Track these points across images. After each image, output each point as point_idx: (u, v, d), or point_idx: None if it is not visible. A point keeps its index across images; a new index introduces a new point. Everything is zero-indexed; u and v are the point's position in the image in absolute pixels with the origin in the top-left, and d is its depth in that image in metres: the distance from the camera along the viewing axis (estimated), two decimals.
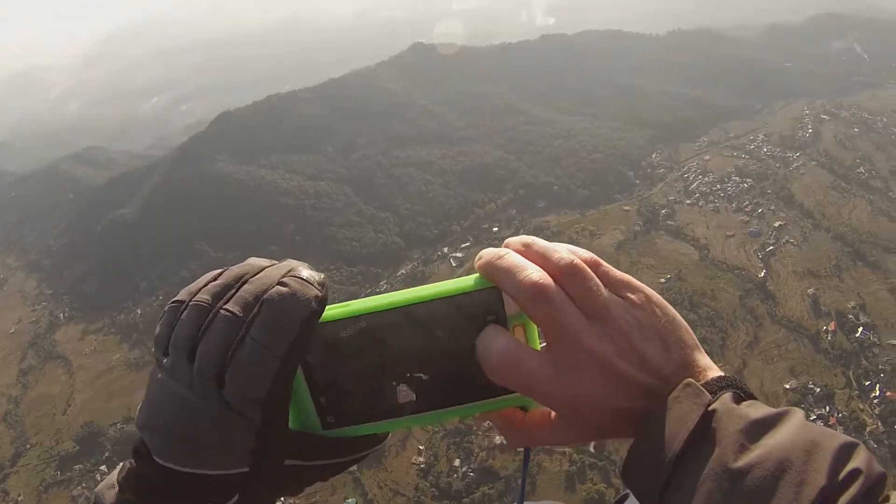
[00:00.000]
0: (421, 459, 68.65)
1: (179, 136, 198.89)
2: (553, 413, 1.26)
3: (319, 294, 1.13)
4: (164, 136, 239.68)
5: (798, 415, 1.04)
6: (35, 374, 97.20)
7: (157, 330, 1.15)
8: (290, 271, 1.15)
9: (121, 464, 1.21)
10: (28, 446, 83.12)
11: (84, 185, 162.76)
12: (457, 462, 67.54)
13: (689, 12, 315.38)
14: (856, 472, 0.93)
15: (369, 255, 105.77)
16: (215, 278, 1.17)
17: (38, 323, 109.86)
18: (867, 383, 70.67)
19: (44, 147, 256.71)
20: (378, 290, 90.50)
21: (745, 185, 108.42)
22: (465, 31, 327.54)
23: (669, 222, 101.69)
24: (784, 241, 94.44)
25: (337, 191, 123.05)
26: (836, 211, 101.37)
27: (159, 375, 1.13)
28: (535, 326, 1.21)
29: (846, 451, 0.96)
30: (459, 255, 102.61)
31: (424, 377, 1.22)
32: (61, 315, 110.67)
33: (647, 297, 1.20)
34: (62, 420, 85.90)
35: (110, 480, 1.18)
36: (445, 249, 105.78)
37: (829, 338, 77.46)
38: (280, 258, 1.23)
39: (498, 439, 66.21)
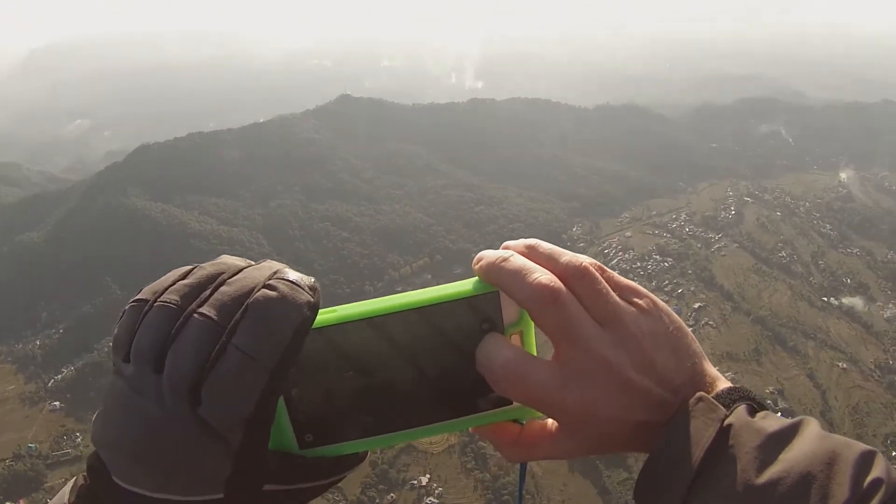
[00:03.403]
0: None
1: (98, 163, 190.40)
2: (553, 425, 1.20)
3: (311, 299, 1.00)
4: (82, 161, 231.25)
5: (813, 424, 1.02)
6: None
7: (116, 332, 1.01)
8: (275, 273, 1.01)
9: (73, 479, 1.07)
10: None
11: None
12: None
13: (617, 86, 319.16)
14: (877, 482, 0.91)
15: None
16: (184, 276, 1.02)
17: None
18: None
19: None
20: None
21: (666, 265, 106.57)
22: (394, 87, 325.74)
23: None
24: (703, 322, 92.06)
25: (250, 239, 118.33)
26: (756, 294, 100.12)
27: (119, 385, 0.99)
28: (534, 336, 1.16)
29: (866, 461, 0.94)
30: None
31: (413, 389, 1.13)
32: None
33: (655, 303, 1.15)
34: None
35: (60, 500, 1.04)
36: None
37: None
38: None
39: None
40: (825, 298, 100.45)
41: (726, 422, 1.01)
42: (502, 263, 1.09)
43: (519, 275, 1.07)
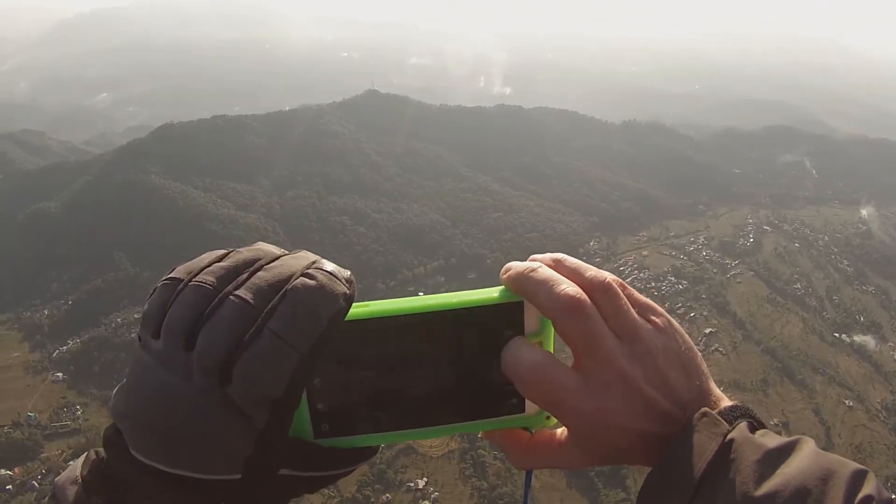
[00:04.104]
0: None
1: (120, 138, 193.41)
2: (562, 435, 1.24)
3: (347, 291, 1.03)
4: (105, 134, 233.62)
5: (809, 443, 1.05)
6: None
7: (146, 308, 1.02)
8: (313, 263, 1.05)
9: (84, 454, 1.08)
10: None
11: (16, 168, 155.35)
12: None
13: (645, 102, 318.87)
14: (869, 499, 0.96)
15: None
16: (220, 259, 1.05)
17: None
18: None
19: None
20: None
21: (680, 287, 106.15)
22: (421, 86, 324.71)
23: None
24: (713, 348, 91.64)
25: (266, 226, 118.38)
26: (768, 324, 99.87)
27: (146, 360, 0.99)
28: (553, 346, 1.20)
29: (858, 479, 0.98)
30: None
31: (431, 389, 1.17)
32: None
33: (670, 322, 1.19)
34: None
35: (72, 474, 1.05)
36: None
37: None
38: None
39: None
40: (837, 334, 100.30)
41: (728, 437, 1.04)
42: (531, 273, 1.14)
43: (546, 285, 1.12)
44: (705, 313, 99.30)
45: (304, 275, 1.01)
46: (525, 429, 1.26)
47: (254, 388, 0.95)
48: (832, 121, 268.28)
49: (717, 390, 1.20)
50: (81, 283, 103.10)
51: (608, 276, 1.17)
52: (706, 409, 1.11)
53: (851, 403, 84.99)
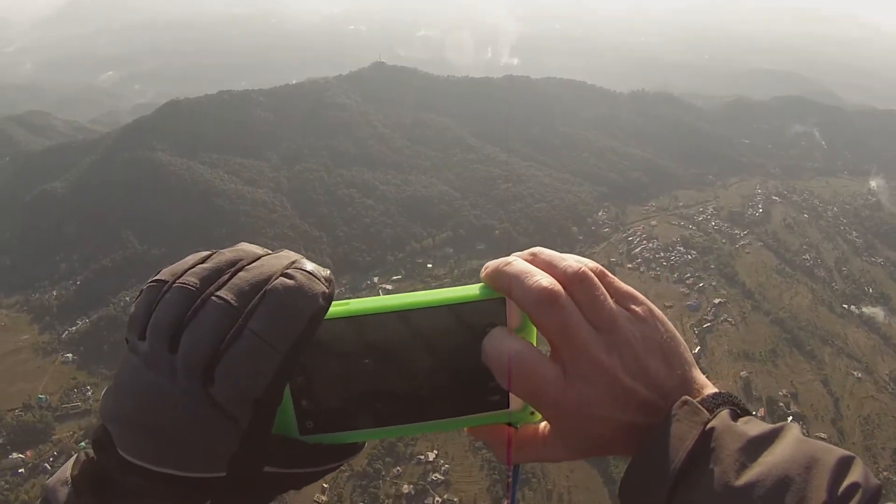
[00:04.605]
0: (324, 498, 63.13)
1: (127, 116, 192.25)
2: (545, 429, 1.24)
3: (326, 290, 1.05)
4: (111, 112, 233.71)
5: (794, 430, 1.04)
6: None
7: (133, 310, 1.04)
8: (293, 263, 1.06)
9: (74, 455, 1.09)
10: None
11: (21, 149, 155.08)
12: None
13: (653, 72, 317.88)
14: (854, 486, 0.94)
15: None
16: (203, 260, 1.06)
17: None
18: None
19: None
20: None
21: (689, 257, 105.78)
22: (428, 58, 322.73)
23: None
24: (722, 318, 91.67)
25: (274, 201, 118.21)
26: (777, 295, 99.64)
27: (133, 361, 1.02)
28: (535, 341, 1.18)
29: (844, 466, 0.96)
30: (389, 286, 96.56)
31: (414, 386, 1.17)
32: None
33: (651, 310, 1.18)
34: None
35: (63, 475, 1.06)
36: (376, 279, 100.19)
37: None
38: None
39: (406, 488, 64.05)
40: (846, 306, 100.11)
41: (709, 425, 1.03)
42: (505, 267, 1.13)
43: (520, 277, 1.10)
44: (714, 283, 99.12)
45: (283, 275, 1.01)
46: (509, 424, 1.26)
47: (235, 387, 0.96)
48: (844, 93, 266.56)
49: (701, 378, 1.18)
50: (89, 262, 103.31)
51: (584, 266, 1.15)
52: (687, 397, 1.10)
53: (860, 375, 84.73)
